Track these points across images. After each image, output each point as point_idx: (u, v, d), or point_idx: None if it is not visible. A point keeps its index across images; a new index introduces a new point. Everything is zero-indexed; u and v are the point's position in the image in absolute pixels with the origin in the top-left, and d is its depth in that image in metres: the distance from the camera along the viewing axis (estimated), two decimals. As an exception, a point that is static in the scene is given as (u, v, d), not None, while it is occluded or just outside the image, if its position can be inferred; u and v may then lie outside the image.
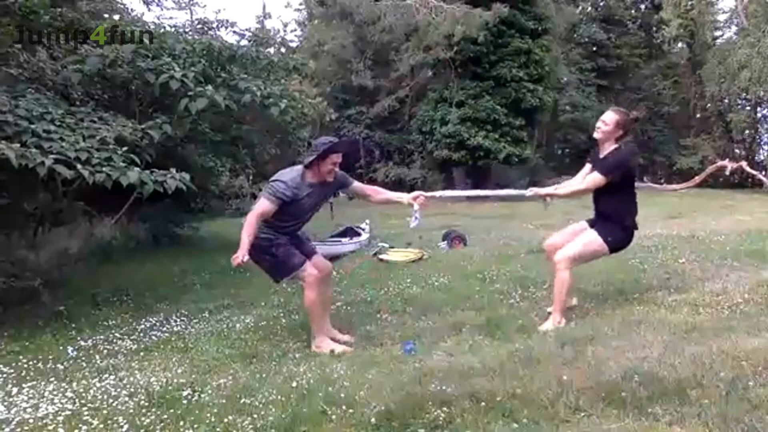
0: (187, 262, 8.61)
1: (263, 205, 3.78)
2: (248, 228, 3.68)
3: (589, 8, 31.52)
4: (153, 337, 4.68)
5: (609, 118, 4.04)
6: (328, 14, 23.77)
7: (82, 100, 6.35)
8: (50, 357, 4.12)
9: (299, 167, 3.93)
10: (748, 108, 27.72)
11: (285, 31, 33.69)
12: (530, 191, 4.46)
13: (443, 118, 20.12)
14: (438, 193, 4.65)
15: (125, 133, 5.16)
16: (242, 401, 2.89)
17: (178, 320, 5.20)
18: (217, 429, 2.62)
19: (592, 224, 4.16)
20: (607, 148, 4.06)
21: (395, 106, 24.20)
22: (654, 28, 28.36)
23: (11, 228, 6.51)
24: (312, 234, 8.02)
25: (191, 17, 22.79)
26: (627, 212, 4.07)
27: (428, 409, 2.54)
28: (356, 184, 4.23)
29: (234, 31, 8.82)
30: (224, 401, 2.92)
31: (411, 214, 4.16)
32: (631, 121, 4.08)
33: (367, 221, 10.72)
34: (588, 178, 4.09)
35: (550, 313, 4.05)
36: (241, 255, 3.56)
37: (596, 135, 4.11)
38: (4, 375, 3.69)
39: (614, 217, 4.05)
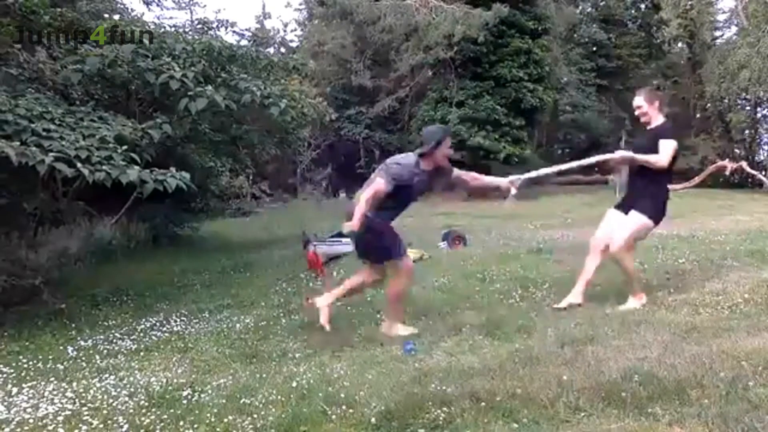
0: (187, 262, 8.61)
1: (379, 184, 3.86)
2: (364, 205, 3.77)
3: (589, 8, 31.51)
4: (153, 337, 4.68)
5: (639, 100, 4.34)
6: (328, 14, 23.75)
7: (82, 99, 6.35)
8: (50, 357, 4.12)
9: (413, 155, 4.04)
10: (747, 108, 27.70)
11: (285, 31, 33.71)
12: (618, 153, 4.45)
13: (443, 118, 20.11)
14: (528, 175, 4.74)
15: (125, 132, 5.16)
16: (242, 401, 2.89)
17: (178, 320, 5.20)
18: (217, 429, 2.62)
19: (629, 205, 4.29)
20: (656, 123, 4.31)
21: (395, 106, 24.19)
22: (654, 28, 28.32)
23: (11, 228, 6.51)
24: (312, 234, 8.05)
25: (191, 17, 22.82)
26: (666, 184, 4.28)
27: (428, 409, 2.53)
28: (456, 172, 4.33)
29: (234, 31, 8.88)
30: (224, 401, 2.92)
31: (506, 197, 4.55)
32: (657, 92, 4.40)
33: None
34: (664, 147, 4.19)
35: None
36: (356, 223, 3.66)
37: (643, 120, 4.37)
38: (4, 375, 3.69)
39: (654, 191, 4.23)
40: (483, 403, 2.53)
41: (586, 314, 4.06)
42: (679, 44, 28.81)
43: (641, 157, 4.21)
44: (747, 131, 28.13)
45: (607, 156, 4.53)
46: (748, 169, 5.98)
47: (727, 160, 6.28)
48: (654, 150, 4.16)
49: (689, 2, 24.82)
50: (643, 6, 31.50)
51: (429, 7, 18.81)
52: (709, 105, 28.25)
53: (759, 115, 28.41)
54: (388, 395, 2.72)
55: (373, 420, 2.51)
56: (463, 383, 2.77)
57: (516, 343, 3.48)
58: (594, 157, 4.74)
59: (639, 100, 4.34)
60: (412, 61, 20.77)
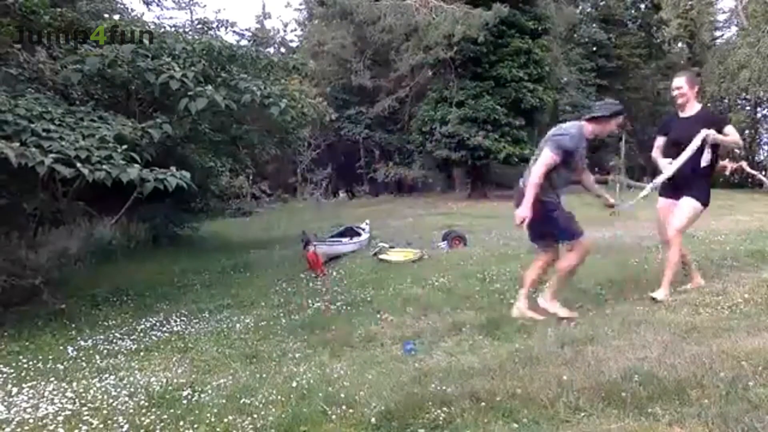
0: (187, 262, 8.61)
1: (547, 158, 3.85)
2: (535, 185, 3.78)
3: (589, 8, 31.50)
4: (153, 337, 4.68)
5: (680, 81, 4.32)
6: (328, 14, 23.72)
7: (82, 99, 6.35)
8: (50, 357, 4.12)
9: (579, 122, 4.04)
10: (747, 108, 27.71)
11: (285, 31, 33.73)
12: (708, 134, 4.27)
13: (443, 118, 20.10)
14: (636, 199, 4.64)
15: (125, 132, 5.16)
16: (242, 401, 2.89)
17: (178, 320, 5.20)
18: (217, 429, 2.62)
19: (676, 190, 4.29)
20: (694, 109, 4.32)
21: (395, 106, 24.17)
22: (654, 28, 28.33)
23: (11, 228, 6.51)
24: (312, 234, 8.05)
25: (191, 17, 22.83)
26: (708, 167, 4.22)
27: (428, 409, 2.53)
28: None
29: (234, 31, 8.86)
30: (224, 401, 2.92)
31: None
32: (697, 77, 4.32)
33: (367, 221, 10.71)
34: (732, 131, 4.25)
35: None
36: (524, 213, 3.69)
37: (680, 102, 4.35)
38: (4, 375, 3.69)
39: (701, 173, 4.21)
40: (483, 403, 2.53)
41: (586, 314, 4.07)
42: (679, 44, 28.82)
43: (727, 139, 4.21)
44: (747, 131, 28.10)
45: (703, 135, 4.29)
46: (748, 169, 5.98)
47: (727, 160, 6.27)
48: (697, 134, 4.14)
49: (689, 2, 24.81)
50: (643, 6, 31.49)
51: (429, 7, 18.80)
52: (709, 105, 28.24)
53: (759, 115, 28.42)
54: (388, 395, 2.72)
55: (373, 420, 2.51)
56: (463, 383, 2.77)
57: (516, 343, 3.48)
58: (695, 142, 4.28)
59: (680, 81, 4.32)
60: (412, 61, 20.74)
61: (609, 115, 3.99)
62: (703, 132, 4.10)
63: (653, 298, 4.14)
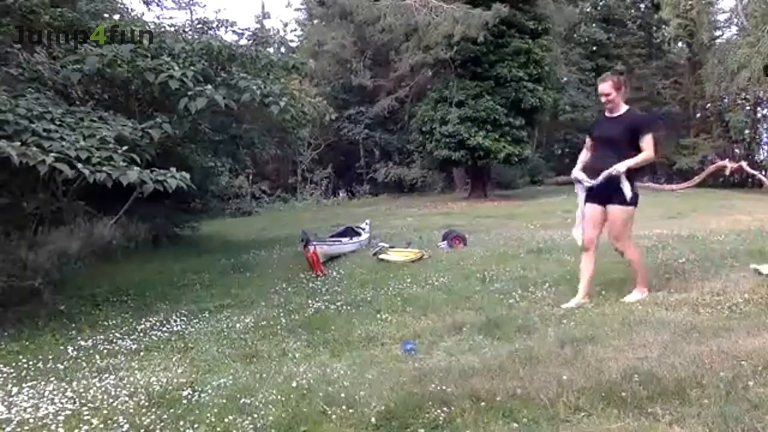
0: (187, 262, 8.61)
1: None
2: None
3: (589, 8, 31.47)
4: (153, 337, 4.68)
5: (605, 87, 4.35)
6: (328, 14, 23.70)
7: (82, 99, 6.35)
8: (50, 357, 4.12)
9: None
10: (747, 108, 27.70)
11: (285, 31, 33.68)
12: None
13: (443, 118, 20.08)
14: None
15: (125, 132, 5.16)
16: (242, 401, 2.89)
17: (178, 320, 5.20)
18: (217, 429, 2.62)
19: (601, 196, 4.34)
20: (621, 110, 4.38)
21: (395, 106, 24.15)
22: (654, 28, 28.33)
23: (11, 228, 6.50)
24: (312, 234, 8.04)
25: (191, 17, 22.78)
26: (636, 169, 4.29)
27: (428, 409, 2.54)
28: None
29: (233, 31, 8.83)
30: (224, 401, 2.92)
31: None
32: (622, 77, 4.45)
33: (367, 221, 10.71)
34: (648, 143, 4.27)
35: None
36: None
37: (607, 106, 4.42)
38: (4, 375, 3.69)
39: (628, 177, 4.23)
40: (483, 403, 2.53)
41: (586, 314, 4.07)
42: (679, 44, 28.82)
43: (635, 160, 4.24)
44: (746, 131, 28.11)
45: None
46: (748, 169, 5.98)
47: (727, 160, 6.27)
48: (625, 138, 4.24)
49: (689, 2, 24.80)
50: (643, 6, 31.49)
51: (429, 7, 18.78)
52: (708, 105, 28.26)
53: (759, 114, 28.40)
54: (388, 395, 2.72)
55: (373, 420, 2.51)
56: (463, 383, 2.77)
57: (516, 343, 3.48)
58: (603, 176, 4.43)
59: (605, 87, 4.35)
60: (411, 61, 20.73)
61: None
62: (605, 173, 4.24)
63: (627, 301, 4.25)
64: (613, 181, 4.23)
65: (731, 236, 6.98)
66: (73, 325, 5.14)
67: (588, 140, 4.67)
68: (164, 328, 4.94)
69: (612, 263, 5.06)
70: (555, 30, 22.96)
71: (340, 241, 8.83)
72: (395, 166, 26.26)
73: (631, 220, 4.43)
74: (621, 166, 4.17)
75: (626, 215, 4.34)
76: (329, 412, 2.62)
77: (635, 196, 4.31)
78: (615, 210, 4.34)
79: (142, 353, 4.20)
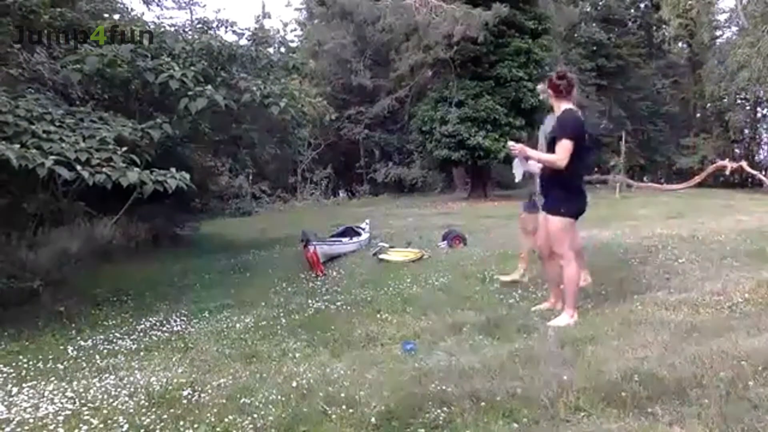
0: (187, 262, 8.61)
1: None
2: None
3: (589, 8, 31.46)
4: (153, 337, 4.68)
5: (542, 88, 4.42)
6: (328, 14, 23.70)
7: (82, 99, 6.35)
8: (50, 357, 4.12)
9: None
10: (747, 108, 27.69)
11: (285, 31, 33.66)
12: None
13: (443, 118, 20.07)
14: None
15: (125, 133, 5.16)
16: (242, 401, 2.89)
17: (178, 320, 5.20)
18: (217, 429, 2.62)
19: (544, 205, 4.34)
20: (561, 110, 4.23)
21: (395, 106, 24.13)
22: (654, 28, 28.31)
23: (11, 228, 6.50)
24: (312, 233, 8.04)
25: (191, 17, 22.77)
26: (570, 176, 4.05)
27: (428, 409, 2.53)
28: None
29: (233, 31, 8.82)
30: (224, 401, 2.92)
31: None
32: (560, 79, 4.20)
33: (367, 221, 10.70)
34: (559, 149, 4.06)
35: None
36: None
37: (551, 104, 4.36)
38: (4, 375, 3.69)
39: (554, 182, 4.16)
40: (483, 403, 2.53)
41: (586, 314, 4.07)
42: (679, 44, 28.82)
43: (541, 156, 4.25)
44: (747, 131, 28.11)
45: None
46: (748, 169, 5.98)
47: (727, 159, 6.28)
48: (553, 138, 4.16)
49: (689, 2, 24.80)
50: (643, 6, 31.47)
51: (429, 7, 18.77)
52: (708, 105, 28.25)
53: (758, 114, 28.39)
54: (388, 395, 2.72)
55: (373, 420, 2.51)
56: (463, 383, 2.77)
57: (516, 343, 3.48)
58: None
59: (543, 89, 4.41)
60: (411, 61, 20.72)
61: None
62: (510, 144, 4.30)
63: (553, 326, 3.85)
64: (552, 191, 4.20)
65: (731, 236, 6.97)
66: (73, 325, 5.14)
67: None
68: (164, 328, 4.94)
69: (612, 263, 5.06)
70: (555, 30, 22.96)
71: (340, 241, 8.83)
72: (395, 166, 26.24)
73: (571, 231, 4.21)
74: (519, 146, 4.27)
75: (561, 224, 4.12)
76: (329, 412, 2.62)
77: (573, 208, 4.14)
78: (551, 219, 4.20)
79: (142, 353, 4.20)
